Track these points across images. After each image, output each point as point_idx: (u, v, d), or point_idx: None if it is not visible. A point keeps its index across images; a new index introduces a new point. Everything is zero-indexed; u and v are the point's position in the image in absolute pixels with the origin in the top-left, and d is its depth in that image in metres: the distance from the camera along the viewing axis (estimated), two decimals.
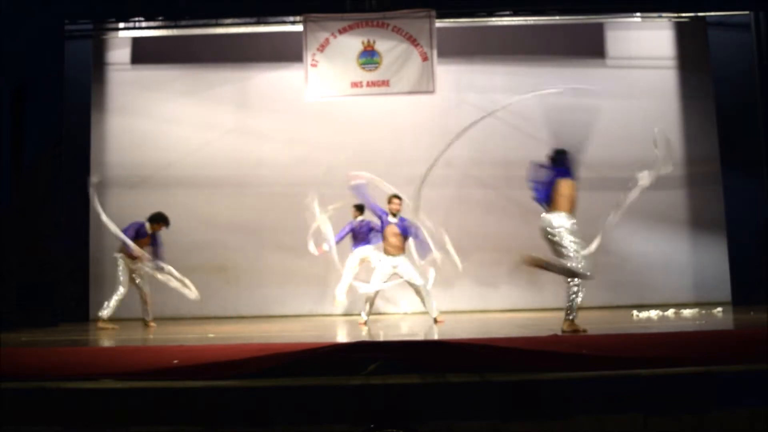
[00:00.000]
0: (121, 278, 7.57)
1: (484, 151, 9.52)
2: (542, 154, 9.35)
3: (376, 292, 7.18)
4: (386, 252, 7.07)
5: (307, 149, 9.48)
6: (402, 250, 7.07)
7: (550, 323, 6.84)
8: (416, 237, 7.11)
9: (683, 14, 9.17)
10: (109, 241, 9.37)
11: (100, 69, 9.61)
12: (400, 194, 7.20)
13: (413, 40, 8.20)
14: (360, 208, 7.99)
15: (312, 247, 7.82)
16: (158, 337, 6.18)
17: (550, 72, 9.57)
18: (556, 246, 5.20)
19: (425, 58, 8.16)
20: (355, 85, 8.21)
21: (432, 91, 8.24)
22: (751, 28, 8.54)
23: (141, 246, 7.55)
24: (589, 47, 9.65)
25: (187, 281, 7.51)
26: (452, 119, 9.58)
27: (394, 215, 7.09)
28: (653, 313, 7.26)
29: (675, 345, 4.01)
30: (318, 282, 9.31)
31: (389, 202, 7.15)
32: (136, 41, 9.68)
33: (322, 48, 8.21)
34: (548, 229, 5.22)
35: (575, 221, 5.31)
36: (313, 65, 8.22)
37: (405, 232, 7.07)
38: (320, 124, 9.43)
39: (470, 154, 9.52)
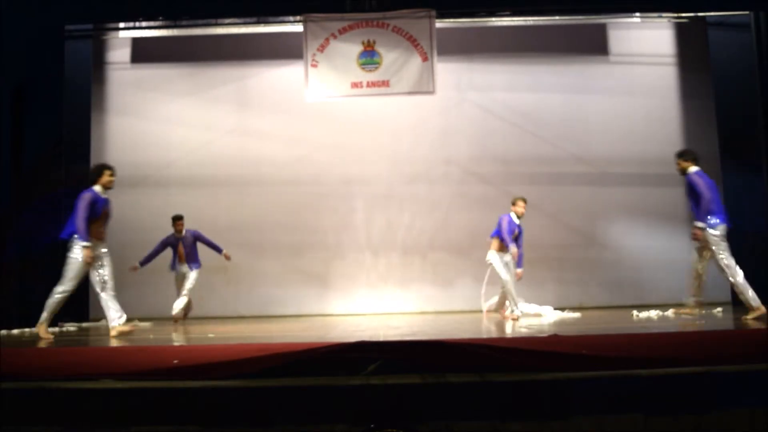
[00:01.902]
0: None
1: (485, 149, 9.53)
2: (541, 151, 9.44)
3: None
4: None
5: (308, 148, 9.49)
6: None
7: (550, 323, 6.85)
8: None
9: (683, 14, 9.18)
10: (109, 240, 9.37)
11: (100, 69, 9.61)
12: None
13: (413, 41, 8.20)
14: None
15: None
16: (158, 337, 6.18)
17: (552, 70, 9.59)
18: None
19: (425, 59, 8.16)
20: (355, 85, 8.20)
21: (432, 92, 8.23)
22: (751, 28, 8.54)
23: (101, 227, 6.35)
24: (592, 45, 9.66)
25: None
26: (452, 118, 9.61)
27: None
28: (653, 313, 7.25)
29: (675, 345, 4.01)
30: (318, 282, 9.31)
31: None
32: (136, 41, 9.68)
33: (322, 48, 8.21)
34: None
35: None
36: (314, 65, 8.21)
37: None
38: (321, 123, 9.44)
39: (470, 152, 9.54)
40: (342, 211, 9.45)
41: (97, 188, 6.18)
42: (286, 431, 2.95)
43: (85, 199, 6.05)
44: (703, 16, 9.13)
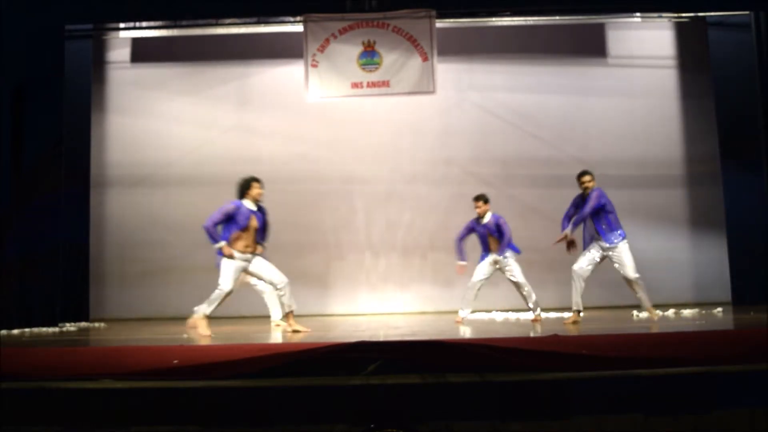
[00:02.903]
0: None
1: (484, 150, 9.53)
2: (541, 152, 9.43)
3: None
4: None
5: (308, 146, 9.49)
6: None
7: (551, 323, 6.86)
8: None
9: (683, 14, 9.18)
10: (109, 239, 9.40)
11: (100, 68, 9.61)
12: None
13: (413, 41, 8.20)
14: None
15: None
16: (158, 337, 6.18)
17: (552, 71, 9.59)
18: None
19: (425, 59, 8.16)
20: (355, 85, 8.20)
21: (432, 92, 8.23)
22: (751, 28, 8.54)
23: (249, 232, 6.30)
24: (591, 46, 9.66)
25: None
26: (453, 118, 9.62)
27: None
28: None
29: (675, 345, 4.01)
30: (318, 282, 9.31)
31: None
32: (136, 41, 9.68)
33: (322, 48, 8.21)
34: None
35: None
36: (314, 66, 8.21)
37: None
38: (321, 121, 9.44)
39: (470, 153, 9.54)
40: (342, 210, 9.45)
41: (245, 201, 6.24)
42: (286, 431, 2.94)
43: (224, 207, 6.17)
44: (703, 16, 9.13)
